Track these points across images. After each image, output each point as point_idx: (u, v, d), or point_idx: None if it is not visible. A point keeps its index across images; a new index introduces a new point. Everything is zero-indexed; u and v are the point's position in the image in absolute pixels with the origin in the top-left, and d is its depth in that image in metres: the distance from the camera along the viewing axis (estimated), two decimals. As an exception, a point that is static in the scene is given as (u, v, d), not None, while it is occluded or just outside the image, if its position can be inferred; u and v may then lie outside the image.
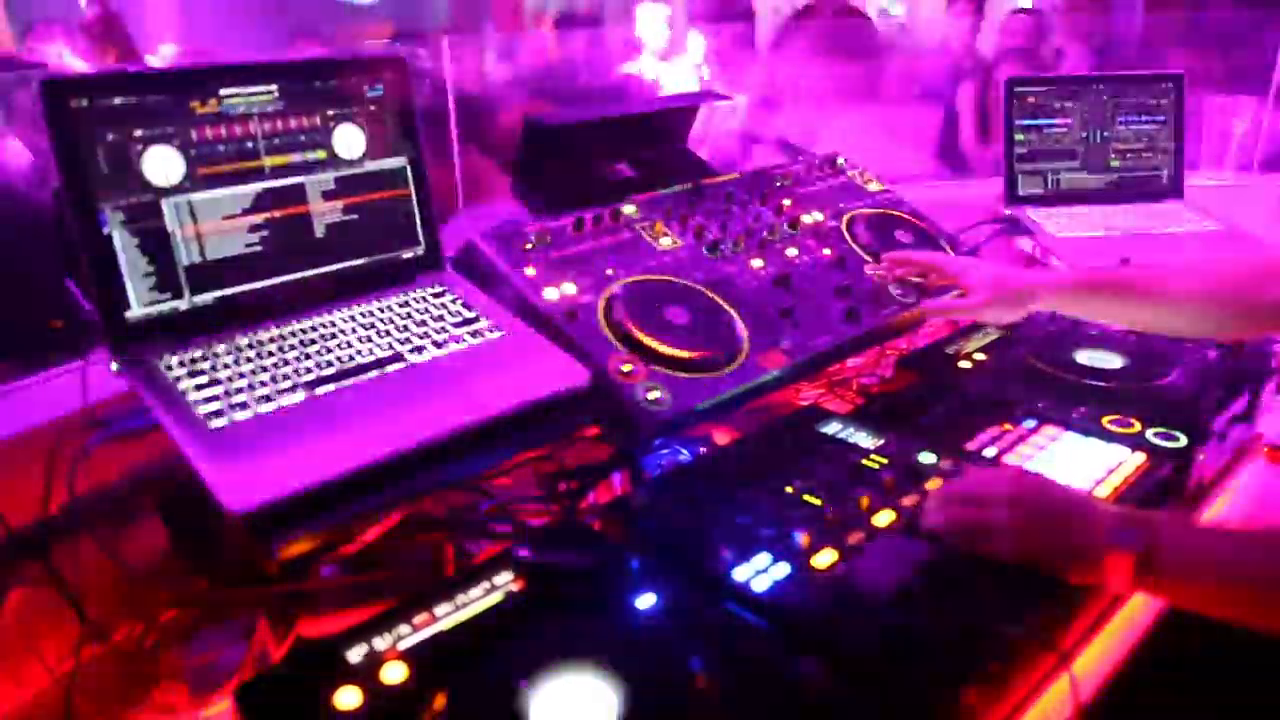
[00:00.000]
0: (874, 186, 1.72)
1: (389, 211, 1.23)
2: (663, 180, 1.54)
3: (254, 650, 0.95)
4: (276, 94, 1.13)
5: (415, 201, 1.25)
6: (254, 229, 1.12)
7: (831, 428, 1.16)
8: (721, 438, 1.30)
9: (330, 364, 1.06)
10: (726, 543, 0.92)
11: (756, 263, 1.41)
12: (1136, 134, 2.14)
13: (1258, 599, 0.79)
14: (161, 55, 4.12)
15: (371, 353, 1.09)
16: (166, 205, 1.06)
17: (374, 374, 1.06)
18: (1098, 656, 0.92)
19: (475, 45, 4.12)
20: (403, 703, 0.72)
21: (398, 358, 1.09)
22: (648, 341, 1.19)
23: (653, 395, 1.13)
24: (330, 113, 1.18)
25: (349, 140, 1.19)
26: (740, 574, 0.87)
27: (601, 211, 1.40)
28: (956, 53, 3.92)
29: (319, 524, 0.91)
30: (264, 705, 0.73)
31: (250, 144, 1.12)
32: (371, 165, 1.21)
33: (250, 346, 1.07)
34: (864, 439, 1.12)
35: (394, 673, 0.74)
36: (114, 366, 1.02)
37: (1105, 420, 1.17)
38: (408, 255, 1.25)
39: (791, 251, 1.46)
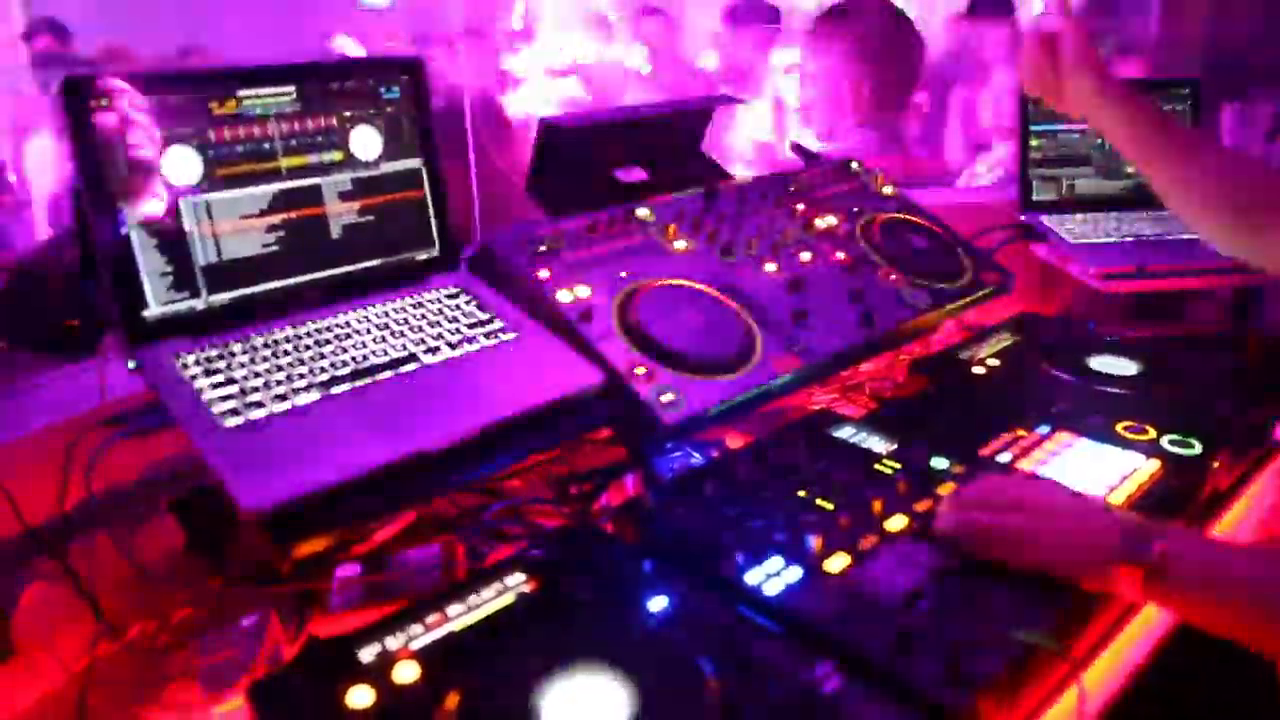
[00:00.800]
0: (888, 191, 1.71)
1: (404, 213, 1.24)
2: (677, 183, 1.55)
3: (267, 649, 0.95)
4: (294, 95, 1.14)
5: (430, 203, 1.26)
6: (271, 229, 1.13)
7: (844, 432, 1.15)
8: (734, 441, 1.30)
9: (345, 364, 1.07)
10: (739, 546, 0.92)
11: (770, 266, 1.41)
12: (1153, 140, 2.13)
13: (1265, 615, 0.78)
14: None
15: (386, 353, 1.10)
16: (184, 205, 1.07)
17: (388, 374, 1.07)
18: (1109, 668, 0.92)
19: (491, 47, 4.15)
20: (414, 702, 0.72)
21: (412, 358, 1.10)
22: (661, 344, 1.19)
23: (666, 398, 1.13)
24: (347, 114, 1.18)
25: (365, 142, 1.20)
26: (752, 577, 0.87)
27: (616, 214, 1.40)
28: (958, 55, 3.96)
29: (332, 523, 0.92)
30: (277, 703, 0.73)
31: (268, 145, 1.12)
32: (388, 167, 1.22)
33: (266, 346, 1.08)
34: (877, 443, 1.12)
35: (406, 672, 0.74)
36: (131, 365, 1.03)
37: (1120, 426, 1.16)
38: (423, 256, 1.26)
39: (805, 255, 1.46)
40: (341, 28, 4.47)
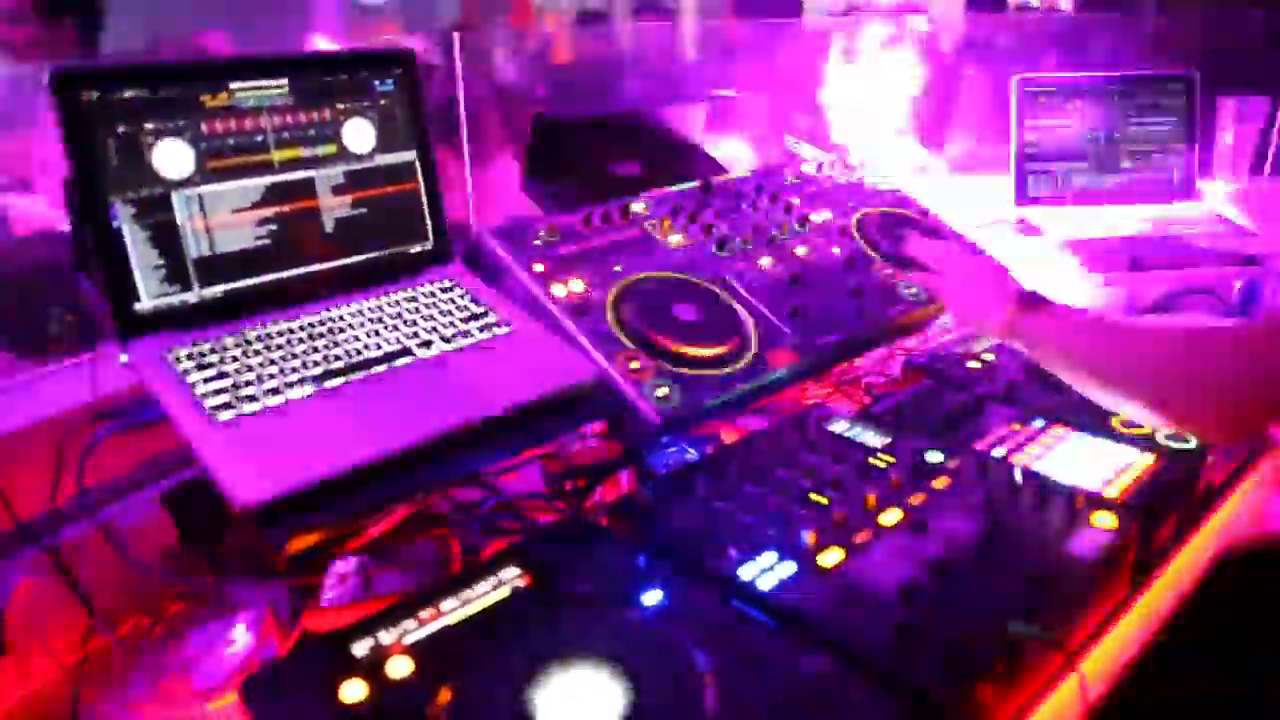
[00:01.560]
0: (884, 185, 1.71)
1: (398, 206, 1.23)
2: (672, 177, 1.54)
3: (261, 643, 0.95)
4: (287, 88, 1.13)
5: (424, 195, 1.25)
6: (263, 222, 1.12)
7: (839, 426, 1.15)
8: (729, 436, 1.30)
9: (338, 358, 1.06)
10: (733, 540, 0.91)
11: (765, 261, 1.41)
12: (1148, 134, 2.13)
13: (1089, 374, 1.00)
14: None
15: (379, 347, 1.09)
16: (177, 198, 1.06)
17: (382, 368, 1.06)
18: (1107, 656, 0.92)
19: (486, 41, 4.13)
20: (408, 697, 0.72)
21: (405, 352, 1.09)
22: (656, 338, 1.19)
23: (660, 392, 1.13)
24: (340, 107, 1.18)
25: (359, 134, 1.19)
26: (747, 572, 0.87)
27: (610, 208, 1.40)
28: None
29: (325, 518, 0.91)
30: (270, 698, 0.73)
31: (260, 138, 1.12)
32: (381, 159, 1.21)
33: (259, 339, 1.07)
34: (871, 438, 1.12)
35: (400, 667, 0.74)
36: (123, 359, 1.03)
37: (1115, 421, 1.16)
38: (416, 249, 1.25)
39: (801, 249, 1.46)
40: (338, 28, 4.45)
